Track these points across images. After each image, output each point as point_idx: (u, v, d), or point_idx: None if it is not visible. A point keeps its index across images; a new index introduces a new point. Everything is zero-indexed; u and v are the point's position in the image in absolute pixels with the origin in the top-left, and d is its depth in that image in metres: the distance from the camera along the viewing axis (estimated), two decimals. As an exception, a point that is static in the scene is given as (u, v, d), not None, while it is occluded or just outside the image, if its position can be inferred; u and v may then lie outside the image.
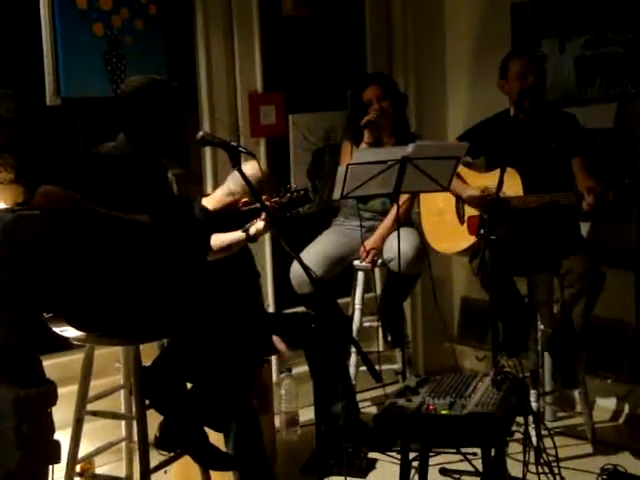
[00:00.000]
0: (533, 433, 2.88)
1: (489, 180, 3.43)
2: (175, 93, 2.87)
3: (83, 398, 2.84)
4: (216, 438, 2.94)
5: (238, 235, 3.14)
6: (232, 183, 3.22)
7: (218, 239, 3.10)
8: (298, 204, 3.02)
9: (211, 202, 3.27)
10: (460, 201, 3.60)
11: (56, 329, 2.72)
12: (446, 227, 3.68)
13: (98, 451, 3.01)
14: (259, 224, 3.12)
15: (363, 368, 3.07)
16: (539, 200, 3.29)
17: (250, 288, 3.45)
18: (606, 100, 3.83)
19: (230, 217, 3.16)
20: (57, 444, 2.79)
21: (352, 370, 3.69)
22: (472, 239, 3.53)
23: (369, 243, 3.76)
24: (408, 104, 4.07)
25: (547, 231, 3.45)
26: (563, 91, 3.96)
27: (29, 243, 2.70)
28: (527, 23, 4.10)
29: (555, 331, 3.47)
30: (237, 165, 2.78)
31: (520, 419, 2.68)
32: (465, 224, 3.59)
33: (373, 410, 3.92)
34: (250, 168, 2.96)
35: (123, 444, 3.09)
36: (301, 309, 3.78)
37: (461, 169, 3.52)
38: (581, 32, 3.89)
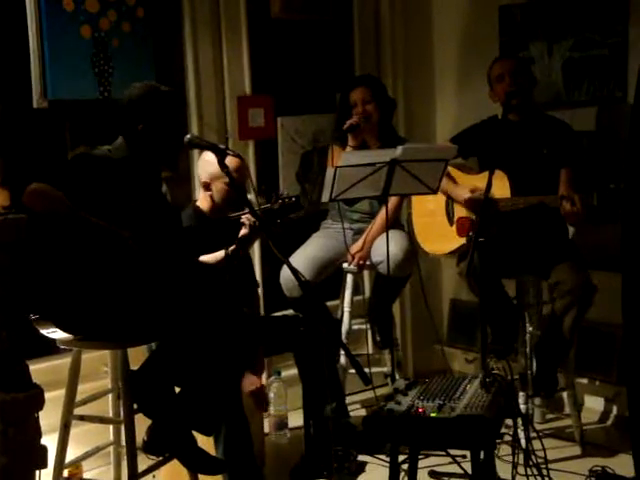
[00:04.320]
0: (522, 435, 2.89)
1: (479, 181, 3.43)
2: (178, 102, 2.92)
3: (70, 402, 2.83)
4: (205, 442, 2.92)
5: (219, 255, 3.10)
6: (202, 175, 3.22)
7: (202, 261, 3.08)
8: (289, 211, 3.00)
9: (204, 203, 3.27)
10: (450, 202, 3.61)
11: (43, 331, 2.70)
12: (436, 228, 3.68)
13: (86, 456, 3.00)
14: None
15: (352, 371, 3.06)
16: (526, 202, 3.29)
17: (244, 295, 3.43)
18: (593, 103, 3.85)
19: (222, 225, 3.13)
20: (44, 449, 2.76)
21: (341, 373, 3.68)
22: (461, 240, 3.53)
23: (354, 247, 3.75)
24: (396, 108, 4.05)
25: (535, 233, 3.46)
26: (551, 94, 3.96)
27: (14, 246, 2.68)
28: (515, 26, 4.10)
29: (543, 338, 3.48)
30: (225, 168, 2.78)
31: (509, 421, 2.69)
32: (455, 225, 3.60)
33: (362, 413, 3.91)
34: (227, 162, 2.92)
35: (111, 448, 3.08)
36: (290, 312, 3.77)
37: (451, 170, 3.53)
38: (569, 35, 3.90)
